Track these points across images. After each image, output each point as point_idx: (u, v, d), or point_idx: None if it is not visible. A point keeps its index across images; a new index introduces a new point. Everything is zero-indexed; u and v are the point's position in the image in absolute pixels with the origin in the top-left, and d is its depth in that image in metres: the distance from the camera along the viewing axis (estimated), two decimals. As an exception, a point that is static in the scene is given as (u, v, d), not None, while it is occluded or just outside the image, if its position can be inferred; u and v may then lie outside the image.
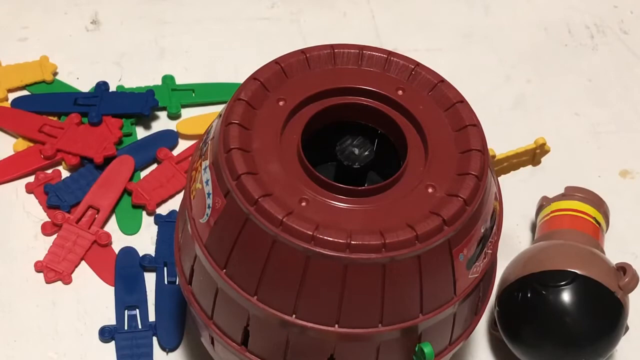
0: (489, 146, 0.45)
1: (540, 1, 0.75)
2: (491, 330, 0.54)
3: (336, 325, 0.41)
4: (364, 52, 0.45)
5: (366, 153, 0.43)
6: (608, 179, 0.64)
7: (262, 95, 0.43)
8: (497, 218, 0.43)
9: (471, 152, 0.42)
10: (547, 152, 0.52)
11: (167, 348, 0.53)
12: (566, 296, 0.50)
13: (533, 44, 0.72)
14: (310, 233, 0.39)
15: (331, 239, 0.39)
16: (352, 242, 0.39)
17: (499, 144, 0.65)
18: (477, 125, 0.43)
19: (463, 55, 0.69)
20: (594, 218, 0.56)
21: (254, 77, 0.44)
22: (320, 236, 0.39)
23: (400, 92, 0.44)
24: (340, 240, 0.39)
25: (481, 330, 0.55)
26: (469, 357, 0.54)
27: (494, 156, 0.50)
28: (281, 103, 0.43)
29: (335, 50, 0.45)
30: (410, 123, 0.44)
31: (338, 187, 0.41)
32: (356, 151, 0.43)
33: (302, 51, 0.45)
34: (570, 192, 0.58)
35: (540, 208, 0.59)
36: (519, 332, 0.51)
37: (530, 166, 0.58)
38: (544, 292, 0.50)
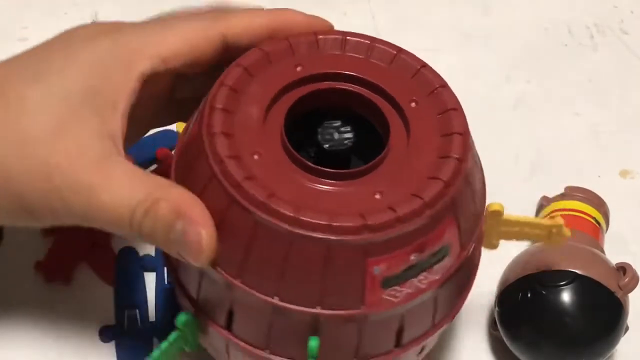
0: (497, 199, 0.46)
1: (540, 1, 0.75)
2: (491, 330, 0.54)
3: (318, 307, 0.41)
4: (347, 38, 0.46)
5: (348, 137, 0.43)
6: (608, 179, 0.64)
7: (245, 80, 0.44)
8: (450, 256, 0.42)
9: (453, 136, 0.43)
10: (565, 236, 0.47)
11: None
12: (566, 296, 0.50)
13: (533, 44, 0.72)
14: (292, 215, 0.39)
15: (313, 220, 0.39)
16: (334, 224, 0.39)
17: (499, 144, 0.65)
18: (458, 109, 0.44)
19: (463, 55, 0.69)
20: (594, 218, 0.56)
21: (237, 64, 0.44)
22: (302, 218, 0.39)
23: (382, 78, 0.45)
24: (322, 222, 0.39)
25: (481, 330, 0.55)
26: (469, 357, 0.54)
27: (499, 213, 0.46)
28: (264, 89, 0.44)
29: (319, 37, 0.45)
30: (392, 108, 0.44)
31: (320, 170, 0.41)
32: (337, 135, 0.43)
33: (286, 38, 0.45)
34: (570, 192, 0.58)
35: (540, 208, 0.59)
36: (519, 332, 0.51)
37: (530, 167, 0.58)
38: (544, 292, 0.50)
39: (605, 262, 0.52)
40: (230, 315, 0.43)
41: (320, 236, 0.39)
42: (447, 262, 0.42)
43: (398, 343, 0.44)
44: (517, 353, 0.52)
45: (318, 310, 0.41)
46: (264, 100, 0.43)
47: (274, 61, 0.45)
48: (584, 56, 0.71)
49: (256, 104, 0.43)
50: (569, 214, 0.56)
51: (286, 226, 0.39)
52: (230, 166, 0.40)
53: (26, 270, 0.56)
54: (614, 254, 0.54)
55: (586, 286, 0.50)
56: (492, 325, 0.54)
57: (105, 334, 0.53)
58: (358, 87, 0.45)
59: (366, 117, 0.45)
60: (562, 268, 0.50)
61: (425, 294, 0.42)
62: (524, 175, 0.63)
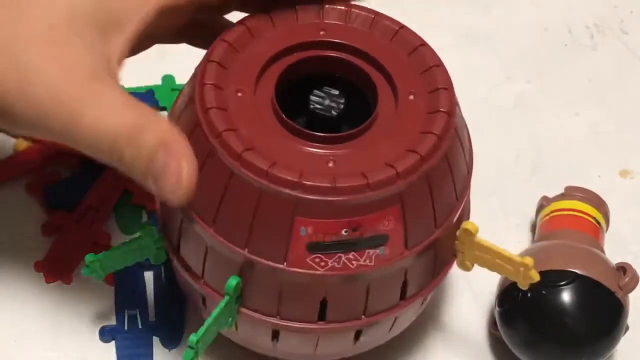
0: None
1: (540, 1, 0.75)
2: (491, 330, 0.54)
3: (246, 249, 0.42)
4: (325, 7, 0.46)
5: (338, 102, 0.44)
6: (608, 179, 0.64)
7: (231, 55, 0.44)
8: (388, 248, 0.42)
9: (439, 91, 0.43)
10: (532, 279, 0.44)
11: (169, 346, 0.53)
12: (566, 296, 0.50)
13: (533, 44, 0.72)
14: (265, 169, 0.40)
15: (283, 176, 0.40)
16: (271, 173, 0.40)
17: (499, 144, 0.65)
18: (440, 65, 0.44)
19: (463, 55, 0.69)
20: (594, 218, 0.56)
21: (221, 39, 0.45)
22: (274, 173, 0.40)
23: (363, 41, 0.46)
24: (262, 167, 0.40)
25: (481, 330, 0.55)
26: (469, 357, 0.54)
27: (471, 233, 0.44)
28: (251, 61, 0.44)
29: (297, 7, 0.46)
30: (377, 71, 0.45)
31: (311, 134, 0.42)
32: (327, 101, 0.44)
33: (266, 12, 0.46)
34: (570, 192, 0.58)
35: (540, 208, 0.59)
36: (519, 332, 0.51)
37: (530, 167, 0.58)
38: (544, 292, 0.50)
39: (605, 262, 0.52)
40: (204, 264, 0.44)
41: (257, 183, 0.40)
42: (384, 253, 0.42)
43: (321, 317, 0.44)
44: (517, 353, 0.52)
45: (245, 252, 0.42)
46: (252, 73, 0.44)
47: (256, 35, 0.45)
48: (584, 56, 0.71)
49: (245, 76, 0.44)
50: (569, 214, 0.56)
51: (258, 179, 0.40)
52: (215, 117, 0.41)
53: (26, 270, 0.56)
54: (614, 254, 0.54)
55: (586, 286, 0.50)
56: (492, 325, 0.54)
57: (105, 334, 0.53)
58: (341, 53, 0.46)
59: (354, 82, 0.45)
60: (562, 268, 0.50)
61: (355, 276, 0.42)
62: (524, 175, 0.63)
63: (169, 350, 0.53)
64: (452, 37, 0.70)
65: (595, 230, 0.56)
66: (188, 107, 0.43)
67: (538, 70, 0.70)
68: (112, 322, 0.54)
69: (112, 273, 0.56)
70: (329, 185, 0.40)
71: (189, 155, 0.39)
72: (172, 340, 0.53)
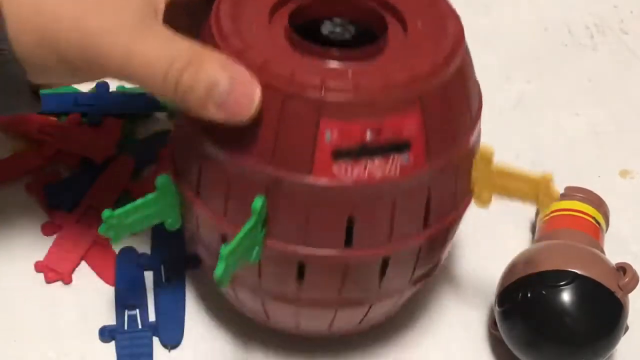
0: (489, 144, 0.45)
1: (540, 1, 0.75)
2: (491, 330, 0.54)
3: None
4: None
5: (349, 29, 0.45)
6: (608, 179, 0.64)
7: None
8: (411, 154, 0.43)
9: (446, 18, 0.45)
10: (554, 197, 0.45)
11: (169, 345, 0.53)
12: (566, 296, 0.50)
13: (533, 44, 0.72)
14: (287, 75, 0.41)
15: (306, 80, 0.41)
16: (326, 84, 0.41)
17: (499, 144, 0.65)
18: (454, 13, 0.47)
19: (463, 55, 0.69)
20: (594, 218, 0.56)
21: None
22: (296, 78, 0.41)
23: None
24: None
25: (481, 330, 0.55)
26: (469, 357, 0.54)
27: (489, 158, 0.46)
28: (262, 3, 0.45)
29: None
30: (384, 9, 0.46)
31: (327, 51, 0.43)
32: (339, 29, 0.45)
33: None
34: (570, 192, 0.58)
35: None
36: (519, 332, 0.51)
37: (530, 167, 0.57)
38: (544, 292, 0.50)
39: (605, 262, 0.52)
40: (226, 199, 0.44)
41: (281, 91, 0.41)
42: (408, 160, 0.42)
43: (348, 243, 0.44)
44: (517, 353, 0.52)
45: (270, 169, 0.42)
46: (265, 9, 0.45)
47: None
48: (584, 56, 0.71)
49: (258, 12, 0.45)
50: (569, 214, 0.56)
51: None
52: (232, 38, 0.42)
53: (26, 270, 0.56)
54: (614, 254, 0.54)
55: (586, 286, 0.50)
56: (492, 325, 0.54)
57: (105, 334, 0.53)
58: None
59: (362, 22, 0.46)
60: (562, 268, 0.50)
61: (381, 189, 0.42)
62: (524, 175, 0.63)
63: (169, 351, 0.53)
64: (452, 37, 0.70)
65: (595, 230, 0.56)
66: (207, 42, 0.44)
67: (538, 70, 0.70)
68: (112, 322, 0.54)
69: (111, 273, 0.56)
70: (351, 86, 0.41)
71: (253, 76, 0.41)
72: (172, 340, 0.53)
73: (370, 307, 0.48)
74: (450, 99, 0.44)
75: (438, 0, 0.46)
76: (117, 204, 0.58)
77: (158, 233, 0.57)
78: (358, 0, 0.46)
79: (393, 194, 0.43)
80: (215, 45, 0.43)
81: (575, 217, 0.56)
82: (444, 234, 0.47)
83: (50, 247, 0.57)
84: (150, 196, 0.47)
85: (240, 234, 0.42)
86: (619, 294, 0.50)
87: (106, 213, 0.46)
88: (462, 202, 0.47)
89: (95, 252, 0.57)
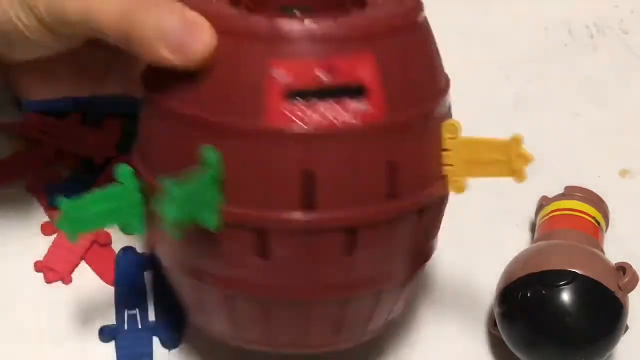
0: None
1: (540, 1, 0.75)
2: (491, 330, 0.54)
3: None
4: None
5: (307, 4, 0.45)
6: (608, 179, 0.64)
7: None
8: (369, 102, 0.41)
9: None
10: (527, 158, 0.43)
11: (169, 345, 0.53)
12: (566, 296, 0.50)
13: (533, 44, 0.72)
14: (235, 14, 0.42)
15: (254, 21, 0.41)
16: (275, 23, 0.40)
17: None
18: None
19: (463, 55, 0.69)
20: (594, 218, 0.56)
21: None
22: (245, 18, 0.41)
23: None
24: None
25: (481, 330, 0.55)
26: (469, 357, 0.54)
27: (455, 128, 0.43)
28: None
29: None
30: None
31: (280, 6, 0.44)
32: (298, 14, 0.45)
33: None
34: (570, 192, 0.58)
35: (540, 208, 0.59)
36: (519, 332, 0.51)
37: (530, 167, 0.57)
38: (544, 292, 0.50)
39: (605, 262, 0.52)
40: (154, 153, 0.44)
41: (233, 32, 0.41)
42: (365, 107, 0.41)
43: (310, 205, 0.41)
44: (517, 353, 0.52)
45: (219, 117, 0.41)
46: None
47: None
48: (584, 56, 0.71)
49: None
50: (569, 214, 0.56)
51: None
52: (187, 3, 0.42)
53: (26, 270, 0.56)
54: (614, 254, 0.54)
55: (586, 286, 0.50)
56: (492, 325, 0.54)
57: (105, 334, 0.53)
58: None
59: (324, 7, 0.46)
60: (562, 268, 0.50)
61: (342, 138, 0.41)
62: (524, 175, 0.63)
63: (169, 350, 0.53)
64: (452, 37, 0.70)
65: (595, 230, 0.56)
66: None
67: (538, 70, 0.70)
68: (112, 322, 0.54)
69: (111, 273, 0.56)
70: (302, 27, 0.40)
71: (204, 20, 0.41)
72: (172, 340, 0.53)
73: (347, 303, 0.44)
74: (407, 57, 0.43)
75: None
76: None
77: (158, 233, 0.57)
78: None
79: (354, 145, 0.41)
80: None
81: (575, 217, 0.56)
82: (420, 216, 0.44)
83: (50, 247, 0.57)
84: (111, 187, 0.45)
85: (194, 183, 0.40)
86: (618, 294, 0.50)
87: (65, 203, 0.43)
88: (436, 182, 0.44)
89: (95, 252, 0.57)
